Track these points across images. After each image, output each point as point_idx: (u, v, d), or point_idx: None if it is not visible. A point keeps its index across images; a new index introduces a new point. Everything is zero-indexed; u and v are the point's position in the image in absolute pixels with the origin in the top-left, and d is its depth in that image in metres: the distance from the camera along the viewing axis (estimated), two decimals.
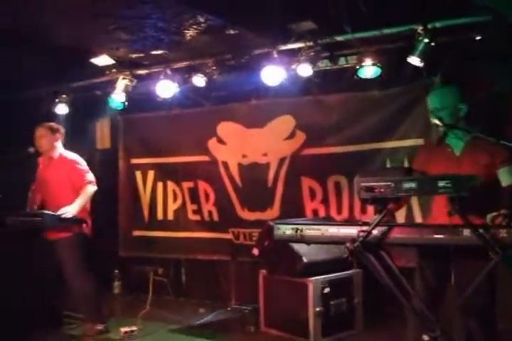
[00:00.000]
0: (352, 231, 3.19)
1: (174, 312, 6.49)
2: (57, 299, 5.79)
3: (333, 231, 3.31)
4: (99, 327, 5.62)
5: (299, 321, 5.28)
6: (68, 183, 5.55)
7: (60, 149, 5.70)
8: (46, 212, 5.28)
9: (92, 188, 5.55)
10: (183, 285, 7.45)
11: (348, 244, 3.13)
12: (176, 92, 6.52)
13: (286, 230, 3.50)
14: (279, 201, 6.50)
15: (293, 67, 5.78)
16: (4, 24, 5.29)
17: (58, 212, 5.27)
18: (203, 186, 7.07)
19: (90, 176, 5.61)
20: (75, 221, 5.39)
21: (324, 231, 3.35)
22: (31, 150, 5.70)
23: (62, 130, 5.79)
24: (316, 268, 5.24)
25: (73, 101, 7.26)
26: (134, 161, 7.70)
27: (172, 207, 7.39)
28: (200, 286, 7.32)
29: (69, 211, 5.30)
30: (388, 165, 5.80)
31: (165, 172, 7.41)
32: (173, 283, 7.46)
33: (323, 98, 6.32)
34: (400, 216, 5.53)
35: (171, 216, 7.41)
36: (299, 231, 3.44)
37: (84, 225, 5.53)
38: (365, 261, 3.17)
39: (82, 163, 5.68)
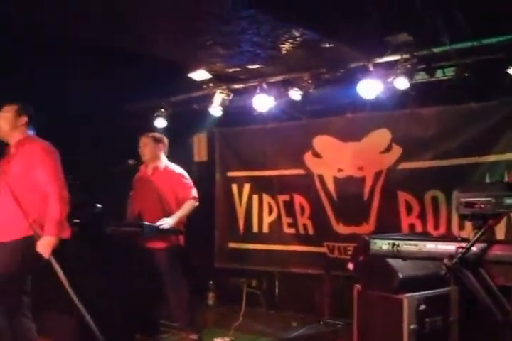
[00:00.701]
0: (450, 247, 3.12)
1: (266, 324, 6.50)
2: (154, 307, 5.90)
3: (430, 246, 3.26)
4: (193, 336, 5.68)
5: (392, 338, 5.15)
6: (172, 196, 5.65)
7: (164, 160, 5.81)
8: (145, 222, 5.41)
9: (194, 204, 5.66)
10: (276, 297, 7.44)
11: (445, 261, 3.06)
12: (272, 106, 6.58)
13: (382, 245, 3.46)
14: (375, 215, 6.41)
15: (389, 80, 5.73)
16: (108, 41, 5.52)
17: (157, 223, 5.38)
18: (298, 199, 7.06)
19: (195, 192, 5.72)
20: (173, 232, 5.49)
21: (421, 247, 3.29)
22: (131, 162, 5.85)
23: (166, 140, 5.90)
24: (412, 284, 5.10)
25: (171, 115, 7.45)
26: (230, 174, 7.79)
27: (267, 219, 7.42)
28: (293, 299, 7.28)
29: (167, 222, 5.41)
30: (488, 180, 5.62)
31: (261, 186, 7.46)
32: (267, 295, 7.48)
33: (419, 111, 6.21)
34: (500, 231, 5.35)
35: (266, 229, 7.44)
36: (395, 246, 3.39)
37: (180, 237, 5.64)
38: (462, 278, 3.09)
39: (188, 178, 5.78)
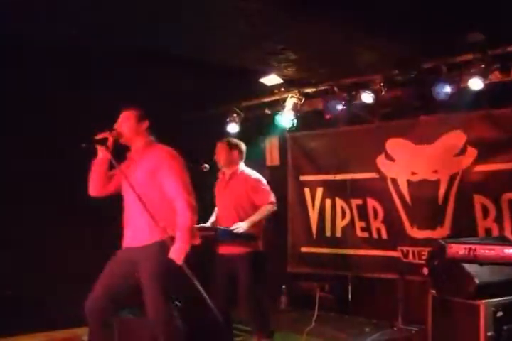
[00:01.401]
0: None
1: (339, 329, 6.45)
2: (228, 311, 5.93)
3: (508, 251, 3.16)
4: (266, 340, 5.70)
5: None
6: (248, 201, 5.60)
7: (241, 166, 5.79)
8: (219, 227, 5.45)
9: (271, 208, 5.59)
10: (349, 302, 7.36)
11: None
12: (343, 109, 6.54)
13: (459, 250, 3.38)
14: (450, 219, 6.28)
15: (462, 80, 5.61)
16: (185, 49, 5.63)
17: (232, 227, 5.39)
18: (371, 203, 7.01)
19: (273, 197, 5.63)
20: (246, 236, 5.44)
21: (499, 252, 3.22)
22: (205, 166, 5.87)
23: (242, 146, 5.82)
24: (489, 290, 4.96)
25: (244, 120, 7.52)
26: (303, 178, 7.79)
27: (340, 223, 7.39)
28: (366, 304, 7.21)
29: (241, 226, 5.37)
30: None
31: (333, 189, 7.43)
32: (339, 300, 7.41)
33: (494, 112, 6.05)
34: None
35: (339, 233, 7.40)
36: (472, 251, 3.31)
37: (259, 242, 5.60)
38: None
39: (265, 183, 5.75)
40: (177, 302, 5.15)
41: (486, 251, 3.22)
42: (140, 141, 4.36)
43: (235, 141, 5.86)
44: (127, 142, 4.37)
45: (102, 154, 4.21)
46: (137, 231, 4.20)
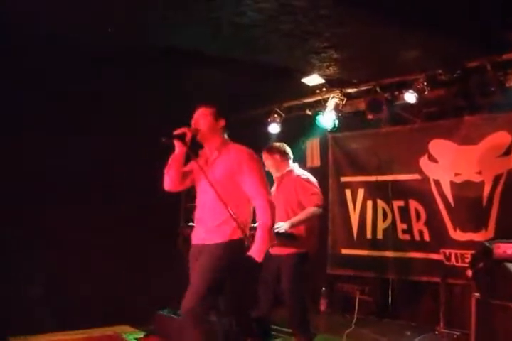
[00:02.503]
0: None
1: (379, 333, 6.36)
2: (267, 311, 5.89)
3: None
4: None
5: None
6: (295, 201, 5.53)
7: (292, 166, 5.72)
8: None
9: (315, 210, 5.47)
10: (389, 305, 7.26)
11: None
12: (386, 110, 6.46)
13: (507, 249, 3.29)
14: (494, 221, 6.16)
15: (508, 79, 5.51)
16: (227, 49, 5.64)
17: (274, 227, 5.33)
18: (413, 205, 6.93)
19: (318, 198, 5.55)
20: (288, 237, 5.39)
21: None
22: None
23: (282, 148, 5.75)
24: None
25: (285, 121, 7.49)
26: (344, 179, 7.77)
27: (381, 225, 7.34)
28: (407, 308, 7.12)
29: (282, 226, 5.33)
30: None
31: (375, 191, 7.38)
32: (379, 303, 7.33)
33: None
34: None
35: (380, 235, 7.34)
36: None
37: (304, 244, 5.54)
38: None
39: (316, 184, 5.68)
40: None
41: None
42: (216, 140, 4.33)
43: (274, 145, 5.82)
44: (203, 139, 4.33)
45: (179, 149, 4.20)
46: (210, 230, 4.16)
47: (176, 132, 4.16)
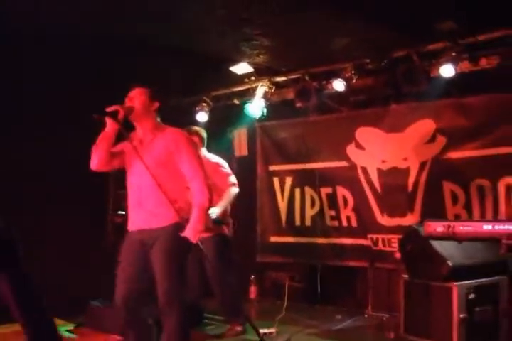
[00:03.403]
0: (509, 227, 3.07)
1: (311, 317, 6.44)
2: (198, 299, 5.90)
3: (487, 227, 3.21)
4: (239, 328, 5.68)
5: (441, 328, 5.08)
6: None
7: (203, 152, 5.83)
8: None
9: (234, 190, 5.68)
10: (319, 291, 7.37)
11: (503, 240, 3.03)
12: (314, 98, 6.55)
13: (437, 227, 3.41)
14: (420, 206, 6.35)
15: (433, 69, 5.69)
16: (154, 36, 5.58)
17: None
18: (341, 192, 7.05)
19: (233, 179, 5.75)
20: (217, 222, 5.49)
21: (478, 228, 3.24)
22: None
23: (202, 133, 5.85)
24: (461, 272, 5.03)
25: (213, 110, 7.49)
26: (272, 168, 7.81)
27: (309, 212, 7.43)
28: (336, 293, 7.23)
29: (214, 212, 5.41)
30: None
31: (303, 179, 7.46)
32: (309, 289, 7.41)
33: (464, 101, 6.14)
34: None
35: (308, 222, 7.44)
36: (450, 228, 3.35)
37: (224, 227, 5.65)
38: None
39: (225, 166, 5.82)
40: None
41: (465, 228, 3.24)
42: (150, 121, 4.21)
43: (195, 128, 5.90)
44: (136, 119, 4.19)
45: (111, 127, 4.07)
46: (152, 213, 4.06)
47: (109, 109, 4.04)
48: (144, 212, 4.11)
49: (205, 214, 4.08)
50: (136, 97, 4.17)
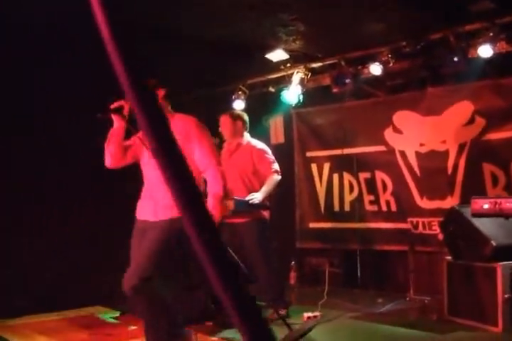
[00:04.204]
0: None
1: (352, 301, 6.47)
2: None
3: None
4: (282, 312, 5.73)
5: (485, 308, 5.10)
6: (253, 170, 5.74)
7: (247, 137, 5.89)
8: (235, 197, 5.49)
9: (277, 177, 5.72)
10: (359, 276, 7.41)
11: None
12: (350, 83, 6.56)
13: (484, 204, 3.42)
14: (460, 188, 6.35)
15: (470, 50, 5.66)
16: (187, 25, 5.62)
17: (247, 198, 5.47)
18: (380, 176, 7.07)
19: (276, 166, 5.79)
20: (261, 207, 5.56)
21: None
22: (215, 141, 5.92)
23: (245, 117, 5.93)
24: (505, 252, 5.03)
25: (249, 98, 7.53)
26: (309, 154, 7.85)
27: (348, 198, 7.46)
28: (376, 277, 7.27)
29: (256, 197, 5.48)
30: None
31: (341, 164, 7.48)
32: (349, 274, 7.45)
33: (501, 81, 6.12)
34: None
35: (347, 207, 7.47)
36: (497, 204, 3.36)
37: (265, 212, 5.72)
38: None
39: (270, 153, 5.86)
40: None
41: None
42: None
43: (238, 112, 6.01)
44: None
45: (118, 123, 4.04)
46: (160, 205, 3.97)
47: (113, 106, 3.99)
48: (153, 203, 4.05)
49: (221, 203, 3.99)
50: None
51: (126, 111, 3.99)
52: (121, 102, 3.98)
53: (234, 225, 5.68)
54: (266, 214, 5.76)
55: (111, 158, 4.14)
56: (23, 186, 6.12)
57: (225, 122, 5.85)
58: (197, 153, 4.03)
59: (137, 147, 4.16)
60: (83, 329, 5.49)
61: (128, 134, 4.12)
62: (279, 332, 4.36)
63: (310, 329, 4.43)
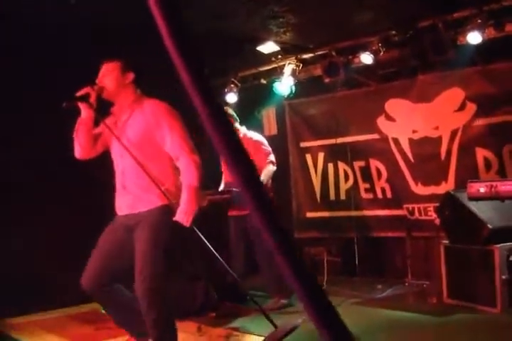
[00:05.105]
0: None
1: (352, 289, 6.54)
2: (243, 277, 6.02)
3: None
4: (284, 300, 5.82)
5: (484, 290, 5.20)
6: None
7: (243, 129, 5.97)
8: (234, 189, 5.57)
9: (273, 168, 5.81)
10: (357, 264, 7.49)
11: None
12: (342, 73, 6.62)
13: (480, 188, 3.50)
14: (454, 174, 6.44)
15: (459, 37, 5.73)
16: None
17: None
18: (374, 164, 7.15)
19: (272, 157, 5.87)
20: None
21: None
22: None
23: (230, 111, 5.98)
24: (502, 234, 5.12)
25: (241, 91, 7.58)
26: (304, 144, 7.92)
27: (344, 186, 7.54)
28: (374, 264, 7.37)
29: None
30: None
31: (335, 153, 7.55)
32: (348, 262, 7.53)
33: (491, 67, 6.20)
34: None
35: (343, 196, 7.55)
36: (493, 187, 3.44)
37: None
38: None
39: (266, 144, 5.94)
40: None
41: (507, 186, 3.33)
42: (128, 96, 3.86)
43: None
44: (111, 97, 3.87)
45: (86, 112, 3.75)
46: (137, 197, 3.76)
47: (79, 93, 3.72)
48: (128, 196, 3.81)
49: (196, 194, 3.68)
50: (106, 74, 3.83)
51: (93, 99, 3.73)
52: (87, 89, 3.73)
53: (238, 218, 5.78)
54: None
55: (81, 149, 3.87)
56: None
57: None
58: (168, 141, 3.74)
59: (106, 135, 3.89)
60: (87, 324, 5.55)
61: (96, 123, 3.87)
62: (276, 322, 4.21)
63: (294, 329, 4.21)
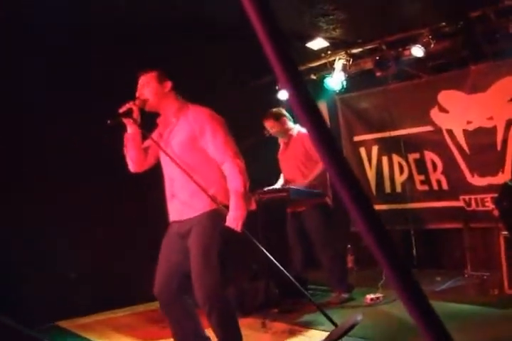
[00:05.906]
0: None
1: None
2: (301, 271, 6.09)
3: None
4: (345, 295, 5.87)
5: None
6: (308, 158, 5.85)
7: (296, 127, 6.02)
8: (290, 186, 5.65)
9: None
10: (414, 256, 7.48)
11: None
12: (393, 66, 6.62)
13: None
14: (510, 163, 6.35)
15: (510, 25, 5.67)
16: (224, 17, 5.72)
17: (296, 186, 5.64)
18: (429, 156, 7.12)
19: None
20: (317, 194, 5.70)
21: None
22: (267, 134, 6.06)
23: (283, 111, 6.05)
24: None
25: None
26: (357, 138, 7.94)
27: (399, 179, 7.53)
28: (432, 256, 7.33)
29: (300, 183, 5.68)
30: None
31: (389, 146, 7.55)
32: (404, 254, 7.50)
33: None
34: None
35: (398, 188, 7.55)
36: None
37: (327, 198, 5.85)
38: None
39: None
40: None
41: None
42: (170, 104, 3.91)
43: (275, 110, 6.09)
44: (154, 108, 3.93)
45: (132, 127, 3.83)
46: (185, 203, 3.82)
47: (121, 110, 3.78)
48: (177, 203, 3.88)
49: (243, 200, 3.72)
50: (144, 86, 3.88)
51: (136, 114, 3.79)
52: (130, 105, 3.80)
53: (297, 214, 5.88)
54: (327, 200, 5.88)
55: (133, 163, 3.98)
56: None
57: (271, 125, 5.99)
58: (212, 147, 3.80)
59: (155, 147, 3.92)
60: (153, 323, 5.62)
61: (143, 137, 3.94)
62: (338, 317, 4.21)
63: (355, 326, 4.22)
